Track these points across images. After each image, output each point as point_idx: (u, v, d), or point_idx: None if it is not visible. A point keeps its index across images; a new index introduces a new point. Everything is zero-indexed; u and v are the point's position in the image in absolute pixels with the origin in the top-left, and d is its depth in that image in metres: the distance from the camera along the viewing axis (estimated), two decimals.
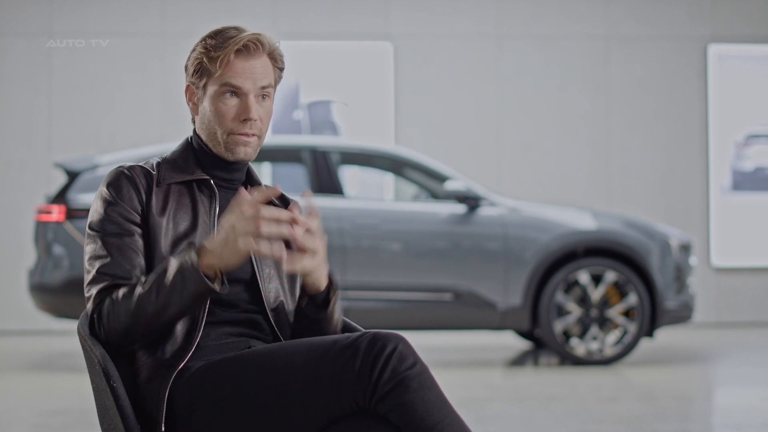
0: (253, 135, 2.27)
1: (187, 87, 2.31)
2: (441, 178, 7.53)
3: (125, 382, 2.17)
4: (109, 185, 2.23)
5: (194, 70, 2.28)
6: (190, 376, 2.14)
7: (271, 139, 8.07)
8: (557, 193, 10.79)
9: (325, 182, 7.40)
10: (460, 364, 7.72)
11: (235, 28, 2.27)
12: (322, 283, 2.20)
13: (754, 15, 11.26)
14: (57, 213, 7.07)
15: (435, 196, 7.63)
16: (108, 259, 2.18)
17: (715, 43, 11.16)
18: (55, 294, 7.05)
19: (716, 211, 11.13)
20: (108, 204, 2.22)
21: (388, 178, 10.45)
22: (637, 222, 7.62)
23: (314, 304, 2.24)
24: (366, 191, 10.60)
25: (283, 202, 2.42)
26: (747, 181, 11.21)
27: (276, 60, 2.30)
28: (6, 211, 10.55)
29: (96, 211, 2.22)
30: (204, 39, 2.27)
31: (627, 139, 11.10)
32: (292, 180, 9.40)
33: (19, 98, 10.64)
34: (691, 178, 11.14)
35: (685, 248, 7.59)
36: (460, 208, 7.38)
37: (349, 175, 10.24)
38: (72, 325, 8.72)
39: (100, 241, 2.20)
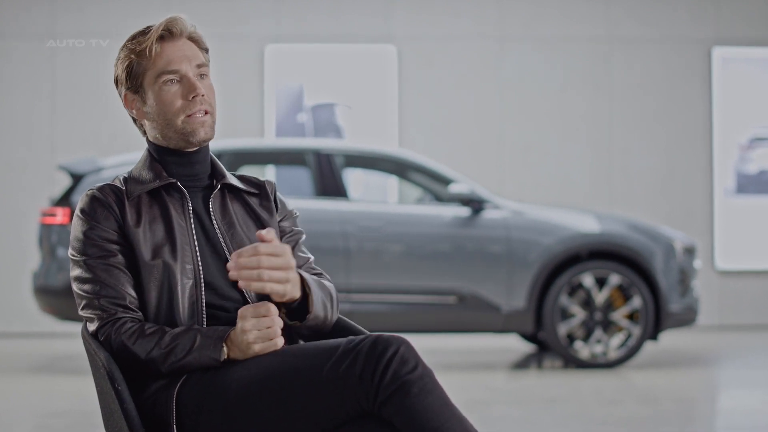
0: (206, 112, 2.27)
1: (124, 97, 2.30)
2: (445, 181, 7.52)
3: (131, 385, 2.19)
4: (82, 210, 2.25)
5: (126, 75, 2.29)
6: (197, 379, 2.16)
7: (275, 141, 8.07)
8: (558, 195, 10.78)
9: (329, 185, 7.41)
10: (464, 366, 7.72)
11: (149, 25, 2.30)
12: (296, 293, 2.17)
13: (758, 17, 11.24)
14: (61, 215, 7.08)
15: (439, 198, 7.63)
16: (97, 285, 2.21)
17: (719, 45, 11.15)
18: (58, 296, 7.05)
19: (720, 213, 11.11)
20: (86, 228, 2.24)
21: (392, 181, 10.44)
22: (641, 225, 7.61)
23: (293, 313, 2.22)
24: (370, 194, 10.60)
25: (254, 185, 2.43)
26: (751, 183, 11.20)
27: (198, 42, 2.32)
28: (9, 213, 10.56)
29: (75, 237, 2.25)
30: (123, 45, 2.29)
31: (629, 141, 11.09)
32: (296, 183, 9.40)
33: (22, 99, 10.65)
34: (694, 180, 11.13)
35: (689, 251, 7.58)
36: (464, 211, 7.37)
37: (353, 178, 10.24)
38: (75, 328, 8.72)
39: (85, 266, 2.23)
